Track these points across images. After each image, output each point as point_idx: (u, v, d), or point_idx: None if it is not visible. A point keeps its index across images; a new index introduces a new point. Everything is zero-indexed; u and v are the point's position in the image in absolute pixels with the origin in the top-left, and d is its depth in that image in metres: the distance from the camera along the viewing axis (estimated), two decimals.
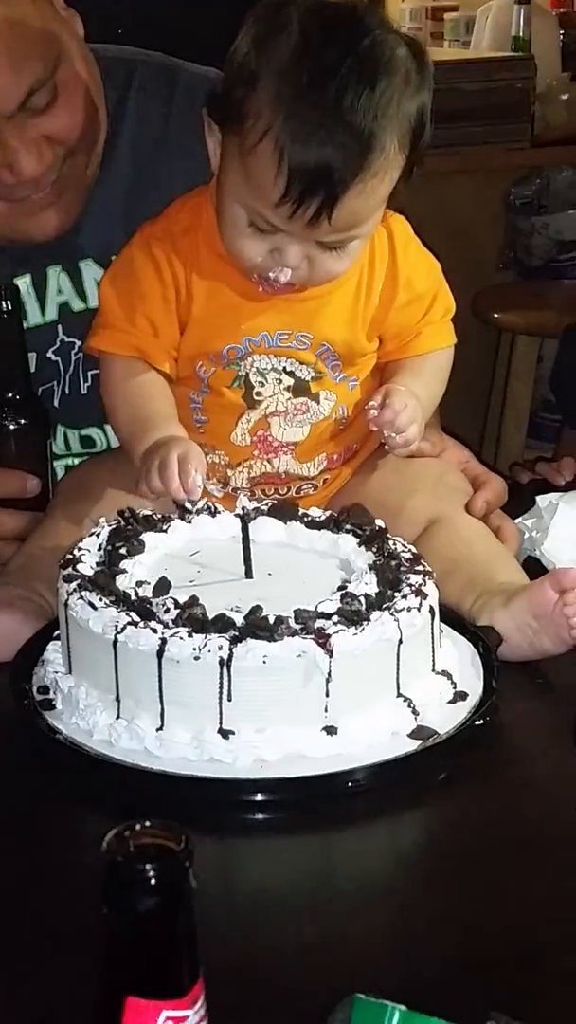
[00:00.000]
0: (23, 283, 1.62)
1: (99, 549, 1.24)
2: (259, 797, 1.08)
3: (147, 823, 0.64)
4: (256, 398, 1.40)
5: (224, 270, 1.36)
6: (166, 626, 1.11)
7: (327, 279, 1.34)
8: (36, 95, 1.45)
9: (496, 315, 3.48)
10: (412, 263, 1.43)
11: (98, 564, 1.21)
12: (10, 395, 1.51)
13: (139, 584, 1.17)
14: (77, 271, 1.61)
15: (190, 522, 1.30)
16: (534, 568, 1.41)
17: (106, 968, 0.63)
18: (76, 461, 1.65)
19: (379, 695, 1.13)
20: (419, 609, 1.15)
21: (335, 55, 1.22)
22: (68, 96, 1.48)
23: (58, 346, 1.64)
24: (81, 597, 1.16)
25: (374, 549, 1.24)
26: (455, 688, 1.19)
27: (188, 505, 1.27)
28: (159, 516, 1.30)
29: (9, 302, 1.47)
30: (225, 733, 1.09)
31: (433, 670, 1.19)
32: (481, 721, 1.16)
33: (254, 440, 1.41)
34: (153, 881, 0.60)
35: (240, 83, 1.25)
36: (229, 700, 1.08)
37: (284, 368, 1.39)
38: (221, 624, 1.10)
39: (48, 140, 1.48)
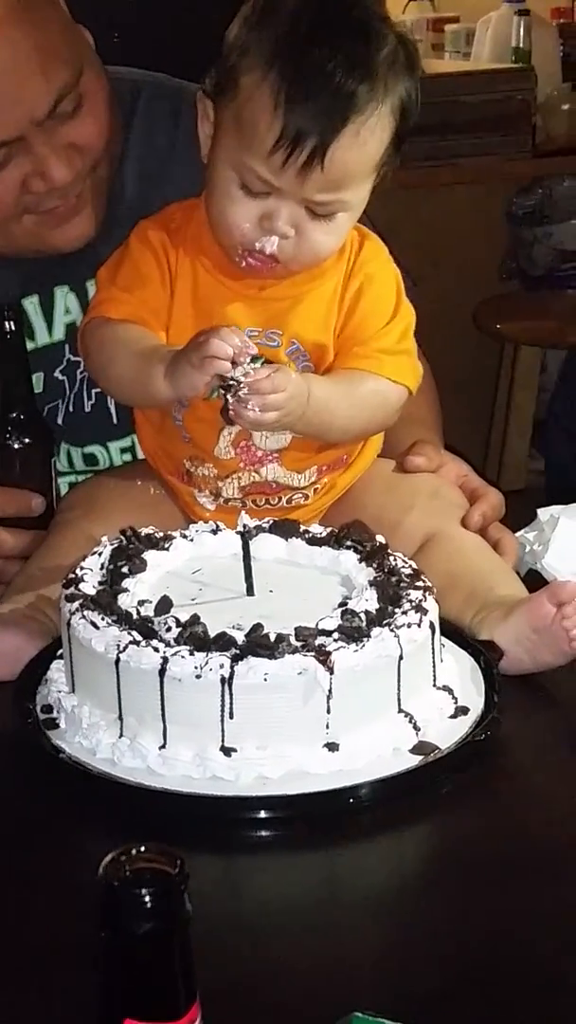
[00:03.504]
0: (31, 303, 1.63)
1: (101, 568, 1.25)
2: (262, 814, 1.08)
3: (143, 848, 0.64)
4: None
5: (205, 263, 1.38)
6: (168, 645, 1.11)
7: (313, 257, 1.34)
8: (64, 101, 1.47)
9: (498, 326, 3.50)
10: (380, 269, 1.42)
11: (100, 583, 1.22)
12: (14, 415, 1.52)
13: (141, 603, 1.18)
14: (84, 291, 1.62)
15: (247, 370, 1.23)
16: (536, 581, 1.41)
17: (104, 990, 0.64)
18: (79, 479, 1.66)
19: (380, 711, 1.14)
20: (419, 625, 1.16)
21: (331, 16, 1.27)
22: (92, 103, 1.51)
23: (64, 365, 1.65)
24: (83, 616, 1.16)
25: (375, 565, 1.24)
26: (456, 703, 1.20)
27: (249, 357, 1.24)
28: (160, 534, 1.31)
29: (13, 323, 1.49)
30: (227, 751, 1.09)
31: (434, 685, 1.20)
32: (483, 736, 1.16)
33: (238, 452, 1.41)
34: (149, 905, 0.61)
35: (235, 52, 1.28)
36: (231, 718, 1.09)
37: None
38: (222, 642, 1.11)
39: (76, 148, 1.50)
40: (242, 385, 1.24)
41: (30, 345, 1.59)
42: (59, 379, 1.65)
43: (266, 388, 1.25)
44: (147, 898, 0.61)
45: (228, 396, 1.25)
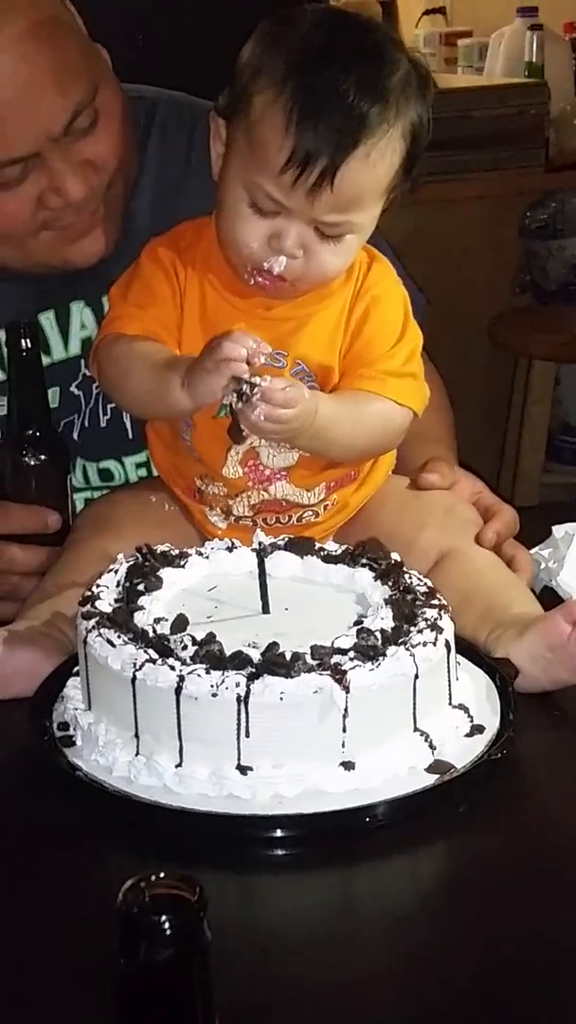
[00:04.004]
0: (47, 318, 1.64)
1: (117, 586, 1.25)
2: (278, 833, 1.08)
3: (162, 874, 0.64)
4: (241, 427, 1.38)
5: (213, 282, 1.39)
6: (184, 663, 1.12)
7: (321, 277, 1.34)
8: (80, 118, 1.48)
9: (512, 340, 3.49)
10: (388, 291, 1.42)
11: (116, 601, 1.22)
12: (30, 432, 1.52)
13: (157, 621, 1.18)
14: (100, 306, 1.63)
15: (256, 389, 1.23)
16: (551, 598, 1.41)
17: (122, 1017, 0.64)
18: (95, 495, 1.67)
19: (396, 730, 1.14)
20: (435, 644, 1.16)
21: (345, 38, 1.28)
22: (108, 121, 1.52)
23: (80, 380, 1.66)
24: (100, 634, 1.17)
25: (390, 583, 1.25)
26: (472, 721, 1.20)
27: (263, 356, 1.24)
28: (176, 552, 1.31)
29: (29, 340, 1.49)
30: (243, 769, 1.10)
31: (450, 704, 1.20)
32: (499, 754, 1.16)
33: (246, 471, 1.41)
34: (168, 932, 0.61)
35: (248, 72, 1.29)
36: (247, 736, 1.09)
37: None
38: (238, 661, 1.11)
39: (91, 165, 1.51)
40: (256, 391, 1.24)
41: (46, 360, 1.59)
42: (75, 394, 1.66)
43: (279, 399, 1.25)
44: (167, 925, 0.61)
45: (239, 402, 1.25)
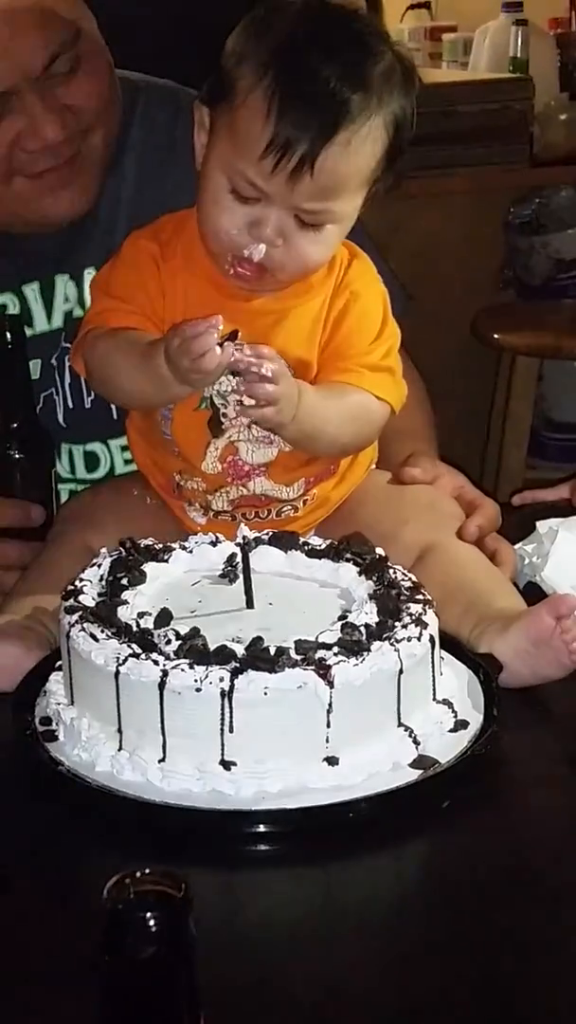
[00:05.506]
0: (31, 290, 1.64)
1: (100, 580, 1.25)
2: (261, 828, 1.08)
3: (147, 870, 0.64)
4: (222, 420, 1.38)
5: (195, 274, 1.39)
6: (168, 658, 1.11)
7: (301, 267, 1.34)
8: (59, 60, 1.49)
9: (496, 335, 3.48)
10: (367, 288, 1.43)
11: (100, 595, 1.22)
12: (14, 425, 1.52)
13: (140, 615, 1.17)
14: (82, 279, 1.64)
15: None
16: (534, 594, 1.41)
17: (106, 1014, 0.63)
18: (80, 487, 1.66)
19: (380, 725, 1.14)
20: (419, 639, 1.16)
21: (329, 26, 1.29)
22: (89, 68, 1.53)
23: (58, 353, 1.66)
24: (83, 629, 1.16)
25: (374, 578, 1.24)
26: (456, 717, 1.20)
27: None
28: (160, 546, 1.31)
29: (13, 333, 1.49)
30: (227, 764, 1.09)
31: (434, 699, 1.20)
32: (482, 750, 1.16)
33: (225, 466, 1.41)
34: (153, 929, 0.61)
35: (232, 59, 1.29)
36: (231, 731, 1.09)
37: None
38: (222, 656, 1.11)
39: (70, 110, 1.52)
40: (247, 356, 1.25)
41: (29, 332, 1.59)
42: (55, 365, 1.66)
43: (267, 353, 1.26)
44: (152, 922, 0.61)
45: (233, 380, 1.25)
